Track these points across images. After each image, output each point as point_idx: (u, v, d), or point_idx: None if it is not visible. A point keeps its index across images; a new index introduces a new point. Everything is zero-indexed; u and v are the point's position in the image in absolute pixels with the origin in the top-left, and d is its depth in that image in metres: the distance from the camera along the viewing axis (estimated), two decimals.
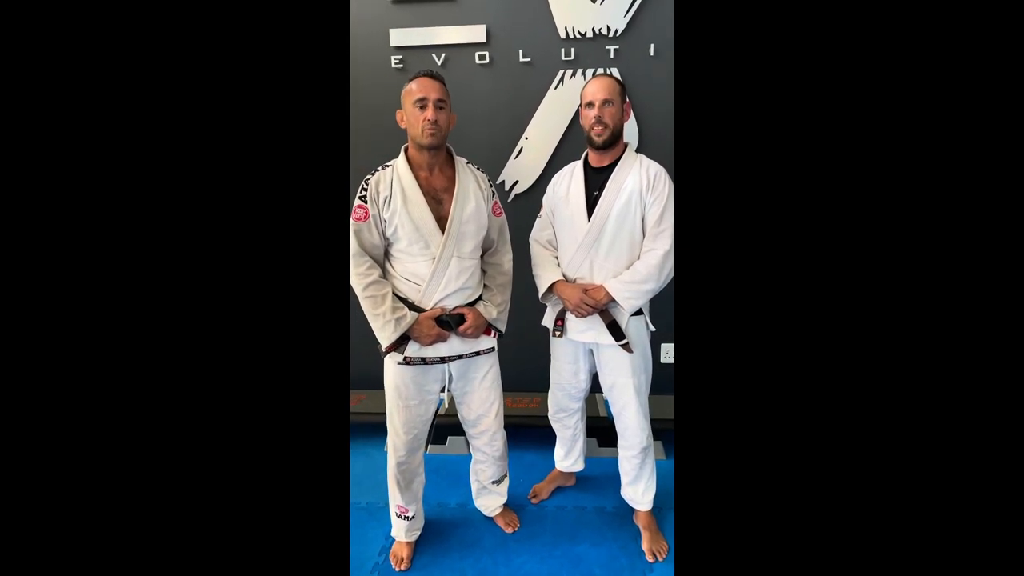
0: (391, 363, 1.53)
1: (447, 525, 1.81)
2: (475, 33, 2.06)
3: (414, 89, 1.40)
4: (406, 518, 1.66)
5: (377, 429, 1.61)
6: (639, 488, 1.72)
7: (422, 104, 1.39)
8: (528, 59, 2.08)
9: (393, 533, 1.70)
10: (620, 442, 1.72)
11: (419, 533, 1.73)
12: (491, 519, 1.81)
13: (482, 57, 2.09)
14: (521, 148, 2.16)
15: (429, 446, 2.22)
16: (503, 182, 2.19)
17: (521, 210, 2.07)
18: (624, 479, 1.75)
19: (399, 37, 2.09)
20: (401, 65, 2.11)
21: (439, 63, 2.09)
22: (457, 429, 1.74)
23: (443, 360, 1.53)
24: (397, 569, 1.63)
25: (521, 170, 2.18)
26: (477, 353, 1.57)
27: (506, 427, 1.71)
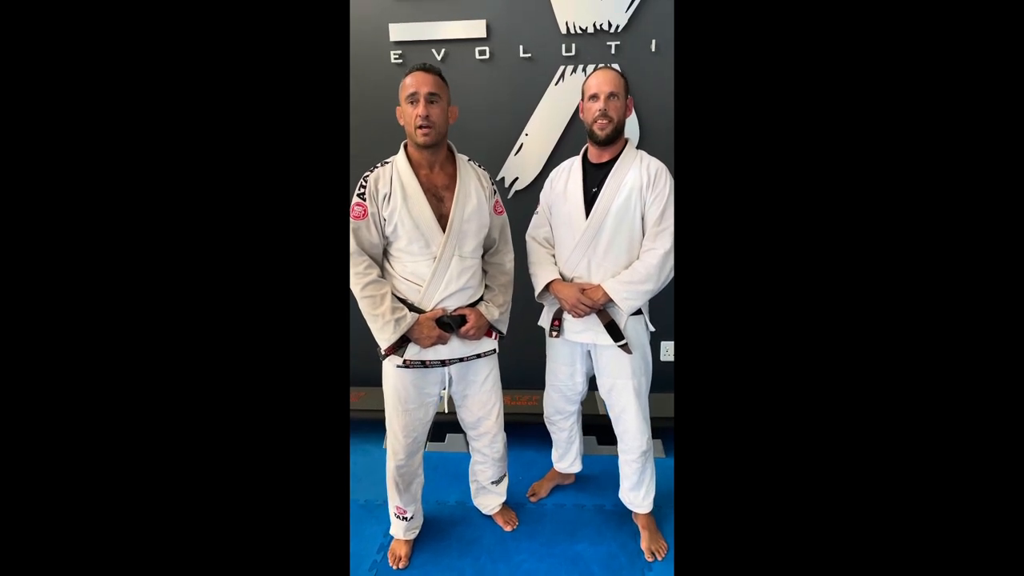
0: (390, 367, 1.51)
1: (446, 523, 1.81)
2: (475, 28, 2.04)
3: (407, 84, 1.37)
4: (404, 518, 1.66)
5: (376, 426, 1.60)
6: (640, 493, 1.71)
7: (413, 99, 1.36)
8: (528, 55, 2.06)
9: (392, 531, 1.70)
10: (620, 446, 1.70)
11: (418, 531, 1.72)
12: (490, 517, 1.81)
13: (482, 52, 2.07)
14: (521, 144, 2.15)
15: (428, 443, 2.21)
16: (503, 179, 2.18)
17: (521, 207, 2.05)
18: (624, 483, 1.73)
19: (399, 32, 2.07)
20: (401, 60, 2.09)
21: (439, 58, 2.08)
22: (456, 427, 1.73)
23: (443, 363, 1.51)
24: (395, 567, 1.63)
25: (521, 166, 2.17)
26: (478, 356, 1.55)
27: (506, 425, 1.70)
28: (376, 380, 1.58)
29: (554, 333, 1.65)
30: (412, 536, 1.70)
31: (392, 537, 1.71)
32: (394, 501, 1.65)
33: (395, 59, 2.09)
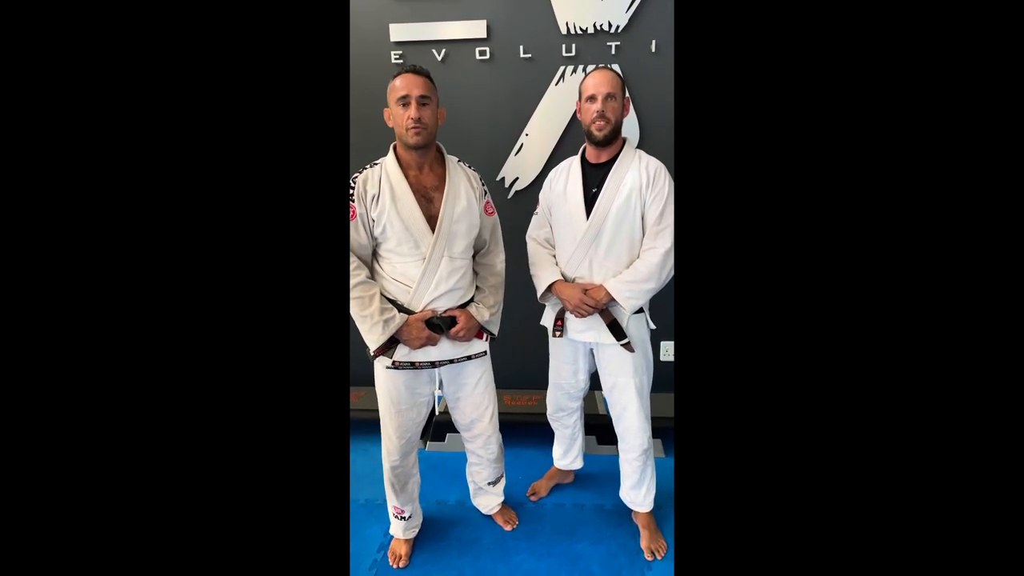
0: (381, 368, 1.51)
1: (446, 523, 1.81)
2: (476, 28, 2.05)
3: (397, 86, 1.36)
4: (403, 518, 1.67)
5: (376, 426, 1.60)
6: (640, 491, 1.71)
7: (404, 102, 1.35)
8: (529, 55, 2.06)
9: (391, 531, 1.70)
10: (621, 444, 1.71)
11: (417, 531, 1.73)
12: (490, 517, 1.82)
13: (483, 53, 2.07)
14: (521, 145, 2.15)
15: (428, 443, 2.22)
16: (503, 179, 2.18)
17: (521, 207, 2.06)
18: (626, 483, 1.74)
19: (399, 32, 2.07)
20: (401, 61, 2.09)
21: (439, 59, 2.08)
22: (455, 426, 1.73)
23: (433, 365, 1.51)
24: (395, 567, 1.63)
25: (521, 167, 2.17)
26: (468, 357, 1.55)
27: (505, 424, 1.70)
28: (375, 380, 1.58)
29: (557, 333, 1.65)
30: (412, 535, 1.71)
31: (392, 536, 1.71)
32: (391, 501, 1.65)
33: (395, 59, 2.10)
